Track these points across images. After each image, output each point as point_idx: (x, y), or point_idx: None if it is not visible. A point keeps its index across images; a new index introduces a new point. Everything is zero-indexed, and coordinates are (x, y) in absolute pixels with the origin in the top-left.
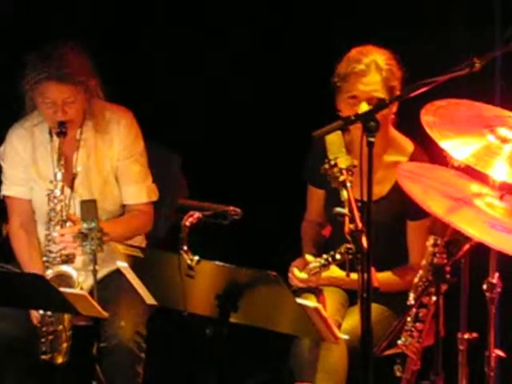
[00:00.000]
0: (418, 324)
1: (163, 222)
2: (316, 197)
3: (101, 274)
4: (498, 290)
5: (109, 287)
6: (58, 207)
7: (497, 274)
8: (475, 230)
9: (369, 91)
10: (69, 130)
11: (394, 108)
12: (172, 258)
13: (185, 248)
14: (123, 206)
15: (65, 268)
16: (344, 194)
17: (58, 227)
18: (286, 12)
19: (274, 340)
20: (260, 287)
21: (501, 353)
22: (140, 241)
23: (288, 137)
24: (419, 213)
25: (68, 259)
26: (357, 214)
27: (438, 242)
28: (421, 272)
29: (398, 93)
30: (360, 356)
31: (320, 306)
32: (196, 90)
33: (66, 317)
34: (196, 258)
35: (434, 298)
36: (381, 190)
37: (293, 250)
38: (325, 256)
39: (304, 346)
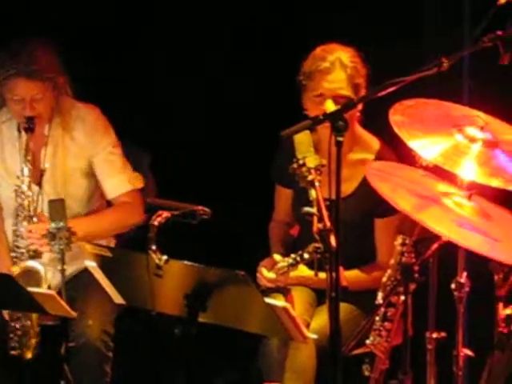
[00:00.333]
0: (386, 323)
1: None
2: (284, 196)
3: (70, 270)
4: (466, 289)
5: (77, 286)
6: (26, 202)
7: (465, 274)
8: (444, 229)
9: (334, 89)
10: (37, 126)
11: (360, 106)
12: (140, 258)
13: (153, 247)
14: (89, 206)
15: (32, 263)
16: (312, 193)
17: (25, 223)
18: (256, 12)
19: (242, 340)
20: (228, 287)
21: (469, 352)
22: (108, 240)
23: (256, 136)
24: (387, 210)
25: (36, 254)
26: (325, 213)
27: (407, 241)
28: (389, 271)
29: (363, 90)
30: (328, 355)
31: (288, 306)
32: (165, 88)
33: (34, 313)
34: (164, 257)
35: (402, 298)
36: (347, 187)
37: (261, 249)
38: (293, 255)
39: (272, 346)
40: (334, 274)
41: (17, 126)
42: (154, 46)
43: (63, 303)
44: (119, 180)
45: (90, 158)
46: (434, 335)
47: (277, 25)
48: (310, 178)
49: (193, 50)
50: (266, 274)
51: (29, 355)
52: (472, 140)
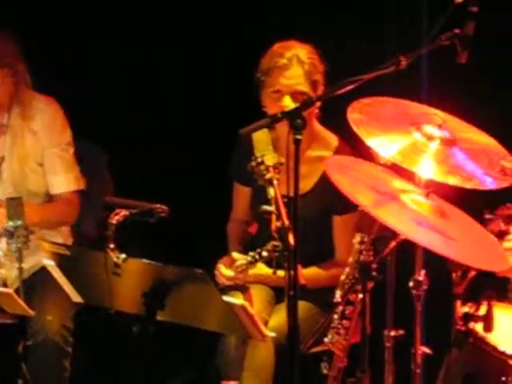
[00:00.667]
0: (344, 321)
1: (90, 220)
2: (242, 194)
3: (27, 265)
4: (424, 287)
5: (35, 284)
6: None
7: (423, 272)
8: (402, 226)
9: (291, 85)
10: None
11: (319, 103)
12: (98, 256)
13: (111, 246)
14: (45, 198)
15: None
16: (271, 191)
17: None
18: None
19: (200, 338)
20: (187, 285)
21: (427, 350)
22: (66, 238)
23: (214, 134)
24: (345, 207)
25: None
26: (283, 212)
27: (365, 239)
28: (347, 269)
29: (321, 87)
30: (287, 353)
31: (247, 304)
32: (121, 87)
33: None
34: (122, 255)
35: (360, 296)
36: (306, 184)
37: (219, 247)
38: (252, 253)
39: (231, 344)
40: (292, 272)
41: None
42: (115, 46)
43: (21, 302)
44: (66, 178)
45: (43, 150)
46: (392, 333)
47: (238, 24)
48: (268, 176)
49: (152, 48)
50: (224, 272)
51: None
52: (430, 138)
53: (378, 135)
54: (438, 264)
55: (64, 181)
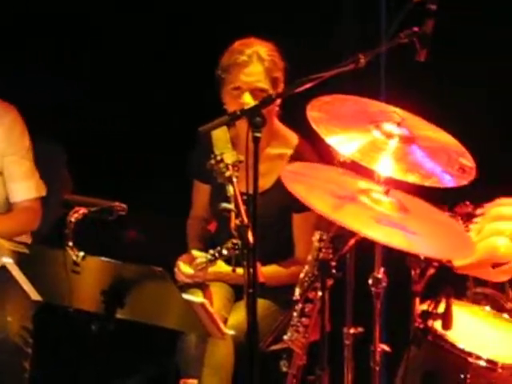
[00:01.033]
0: (303, 319)
1: (48, 218)
2: (202, 192)
3: None
4: (384, 284)
5: None
6: None
7: (382, 269)
8: (361, 226)
9: (251, 82)
10: None
11: (279, 101)
12: (57, 254)
13: (70, 244)
14: (4, 207)
15: None
16: (230, 189)
17: None
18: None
19: (160, 336)
20: (146, 283)
21: (386, 347)
22: (25, 237)
23: (173, 132)
24: (304, 205)
25: None
26: (243, 210)
27: (324, 237)
28: (307, 267)
29: (281, 84)
30: (246, 351)
31: (206, 302)
32: (80, 85)
33: None
34: (81, 253)
35: (319, 293)
36: (265, 182)
37: (179, 245)
38: (212, 251)
39: (190, 342)
40: (251, 270)
41: None
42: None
43: None
44: (27, 186)
45: (2, 158)
46: (352, 331)
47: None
48: (227, 174)
49: (109, 46)
50: (184, 270)
51: None
52: (389, 136)
53: (337, 133)
54: (397, 261)
55: (24, 188)
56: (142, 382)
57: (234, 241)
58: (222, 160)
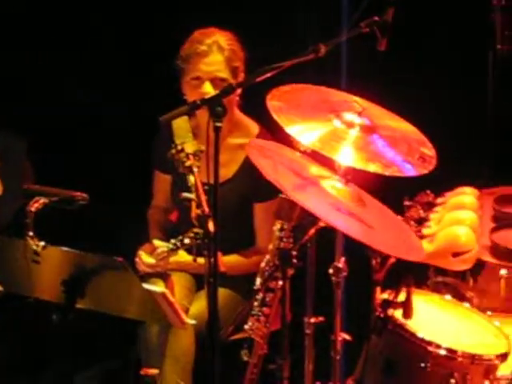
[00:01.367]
0: (264, 308)
1: (8, 208)
2: (163, 182)
3: None
4: (344, 274)
5: None
6: None
7: (343, 259)
8: (322, 212)
9: (211, 71)
10: None
11: (239, 91)
12: (17, 244)
13: (30, 234)
14: None
15: None
16: (191, 179)
17: None
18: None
19: (122, 325)
20: (106, 273)
21: (347, 336)
22: None
23: (134, 122)
24: (265, 194)
25: None
26: (203, 199)
27: (285, 226)
28: (268, 256)
29: (241, 74)
30: (207, 341)
31: (167, 291)
32: (44, 76)
33: None
34: (42, 243)
35: (280, 283)
36: (226, 172)
37: (140, 235)
38: (173, 241)
39: (152, 332)
40: (212, 259)
41: None
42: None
43: None
44: None
45: None
46: (312, 320)
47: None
48: (188, 163)
49: (64, 37)
50: (145, 259)
51: None
52: (349, 125)
53: (297, 122)
54: (358, 251)
55: None
56: (103, 372)
57: (195, 230)
58: (182, 150)
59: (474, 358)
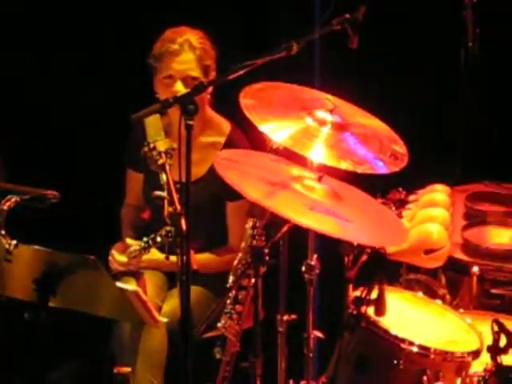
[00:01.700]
0: (237, 306)
1: None
2: (135, 180)
3: None
4: (317, 271)
5: None
6: None
7: (315, 256)
8: (294, 213)
9: (183, 70)
10: None
11: (211, 89)
12: None
13: (2, 232)
14: None
15: None
16: (163, 177)
17: None
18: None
19: (94, 323)
20: (79, 271)
21: (319, 334)
22: None
23: (107, 119)
24: (237, 192)
25: None
26: (176, 197)
27: (257, 224)
28: (240, 254)
29: (213, 72)
30: (180, 338)
31: (139, 290)
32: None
33: None
34: (14, 242)
35: (252, 280)
36: (198, 171)
37: (112, 233)
38: (145, 239)
39: (125, 329)
40: (184, 257)
41: None
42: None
43: None
44: None
45: None
46: (285, 318)
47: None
48: (160, 161)
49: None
50: (117, 258)
51: None
52: (321, 123)
53: (270, 120)
54: (330, 248)
55: None
56: (76, 370)
57: (168, 228)
58: (154, 147)
59: (446, 355)
